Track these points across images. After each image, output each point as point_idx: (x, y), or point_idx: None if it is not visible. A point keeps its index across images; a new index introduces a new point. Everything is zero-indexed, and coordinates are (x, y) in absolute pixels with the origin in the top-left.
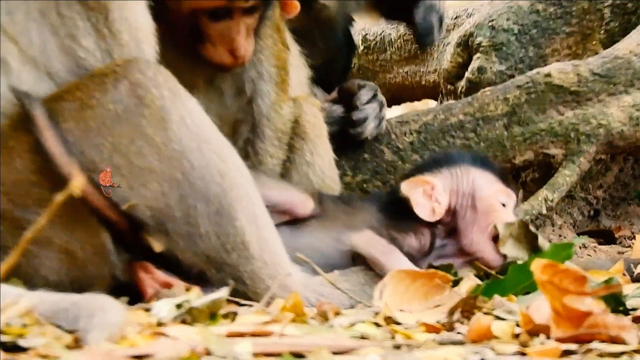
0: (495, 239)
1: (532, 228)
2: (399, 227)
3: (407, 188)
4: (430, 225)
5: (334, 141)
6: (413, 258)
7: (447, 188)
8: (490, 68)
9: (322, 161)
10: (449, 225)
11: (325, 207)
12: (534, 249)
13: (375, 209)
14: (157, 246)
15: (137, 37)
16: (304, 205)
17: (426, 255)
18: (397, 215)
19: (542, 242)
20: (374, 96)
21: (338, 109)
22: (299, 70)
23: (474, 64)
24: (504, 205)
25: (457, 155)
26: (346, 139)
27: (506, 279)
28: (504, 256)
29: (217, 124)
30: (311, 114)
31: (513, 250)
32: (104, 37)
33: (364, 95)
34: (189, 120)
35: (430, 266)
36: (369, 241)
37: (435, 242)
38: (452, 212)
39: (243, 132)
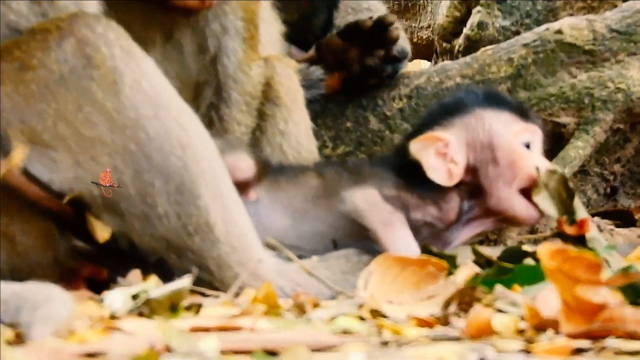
0: (526, 191)
1: (571, 184)
2: (416, 193)
3: (417, 149)
4: (452, 188)
5: (312, 108)
6: (437, 229)
7: (463, 143)
8: (492, 23)
9: (297, 130)
10: (472, 184)
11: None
12: (568, 210)
13: (390, 174)
14: (102, 235)
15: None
16: (240, 169)
17: (453, 223)
18: (412, 180)
19: (578, 204)
20: None
21: (317, 71)
22: (270, 25)
23: (474, 18)
24: (528, 146)
25: (468, 98)
26: (328, 103)
27: (512, 278)
28: (540, 212)
29: (177, 86)
30: (285, 75)
31: (547, 204)
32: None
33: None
34: (144, 83)
35: (429, 252)
36: (370, 205)
37: (463, 206)
38: (472, 170)
39: (206, 95)
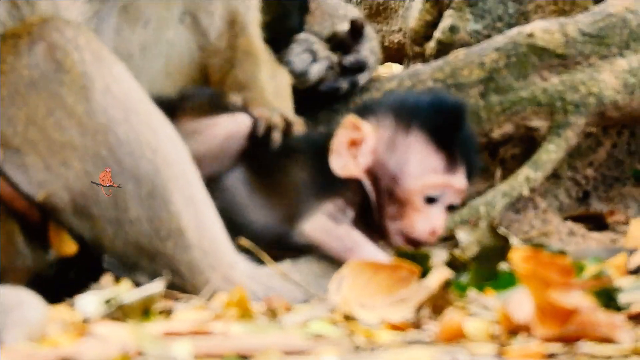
0: (411, 241)
1: (502, 230)
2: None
3: (343, 124)
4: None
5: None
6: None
7: (376, 151)
8: (464, 27)
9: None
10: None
11: None
12: (504, 257)
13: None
14: (67, 249)
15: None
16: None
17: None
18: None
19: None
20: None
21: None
22: None
23: (445, 22)
24: (432, 200)
25: (409, 104)
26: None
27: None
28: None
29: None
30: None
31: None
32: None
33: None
34: (114, 88)
35: (402, 254)
36: (324, 235)
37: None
38: (372, 177)
39: None
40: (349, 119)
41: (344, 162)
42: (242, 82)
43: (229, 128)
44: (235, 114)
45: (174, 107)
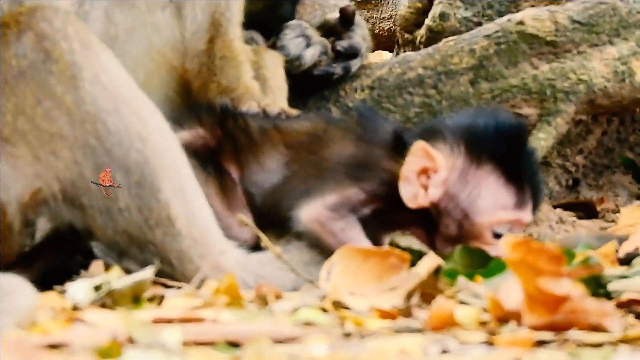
0: None
1: None
2: (380, 157)
3: (414, 151)
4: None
5: None
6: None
7: (448, 181)
8: (454, 14)
9: None
10: (426, 214)
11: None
12: None
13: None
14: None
15: None
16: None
17: (392, 204)
18: (371, 167)
19: None
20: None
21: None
22: None
23: (436, 9)
24: (498, 236)
25: (479, 132)
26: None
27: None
28: None
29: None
30: (273, 64)
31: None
32: None
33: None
34: (103, 77)
35: (397, 247)
36: (320, 226)
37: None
38: (435, 207)
39: None
40: (420, 146)
41: (415, 192)
42: (226, 88)
43: None
44: None
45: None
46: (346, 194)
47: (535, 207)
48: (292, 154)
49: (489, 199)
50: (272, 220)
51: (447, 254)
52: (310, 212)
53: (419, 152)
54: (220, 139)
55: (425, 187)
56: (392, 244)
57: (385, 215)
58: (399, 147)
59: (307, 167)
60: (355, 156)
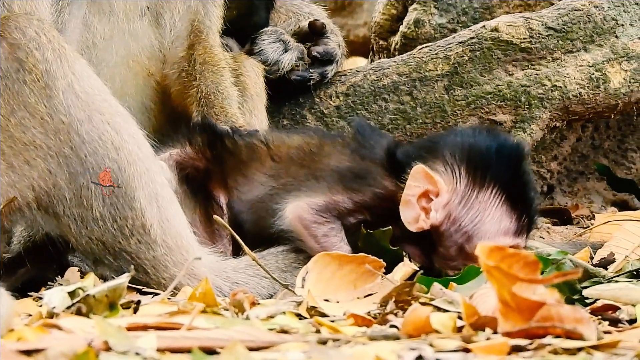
0: None
1: None
2: (364, 201)
3: (415, 175)
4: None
5: None
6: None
7: (449, 205)
8: (429, 21)
9: (259, 122)
10: (426, 235)
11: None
12: None
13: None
14: None
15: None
16: None
17: (381, 221)
18: (369, 180)
19: None
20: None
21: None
22: None
23: (410, 16)
24: None
25: (481, 156)
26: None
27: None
28: None
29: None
30: (252, 71)
31: None
32: None
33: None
34: (77, 86)
35: (364, 236)
36: (303, 227)
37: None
38: (435, 229)
39: None
40: (420, 169)
41: (415, 216)
42: (205, 95)
43: None
44: None
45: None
46: (334, 199)
47: (529, 232)
48: (281, 167)
49: (493, 224)
50: (257, 232)
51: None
52: (295, 210)
53: (419, 176)
54: (209, 161)
55: (426, 211)
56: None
57: (372, 228)
58: (394, 166)
59: (298, 177)
60: (351, 168)
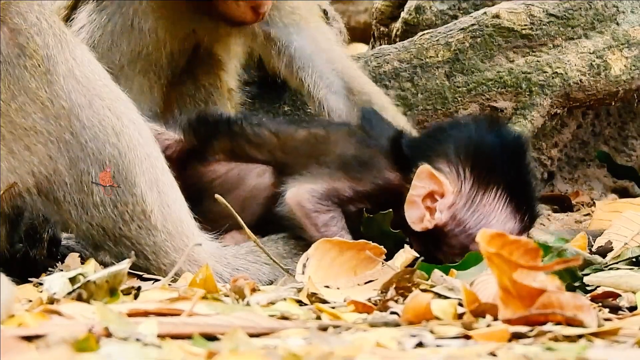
0: None
1: None
2: (368, 190)
3: (420, 175)
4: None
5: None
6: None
7: (454, 206)
8: (430, 7)
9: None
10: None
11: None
12: None
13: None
14: None
15: None
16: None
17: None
18: (374, 172)
19: None
20: None
21: None
22: None
23: (411, 2)
24: None
25: (486, 155)
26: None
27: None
28: None
29: None
30: None
31: None
32: None
33: None
34: (77, 71)
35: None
36: (305, 212)
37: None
38: (440, 229)
39: None
40: (426, 170)
41: (420, 215)
42: None
43: None
44: None
45: None
46: (335, 187)
47: (532, 227)
48: (290, 158)
49: (498, 226)
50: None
51: None
52: (295, 197)
53: (424, 176)
54: (201, 145)
55: (431, 211)
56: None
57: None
58: (399, 160)
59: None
60: (355, 156)
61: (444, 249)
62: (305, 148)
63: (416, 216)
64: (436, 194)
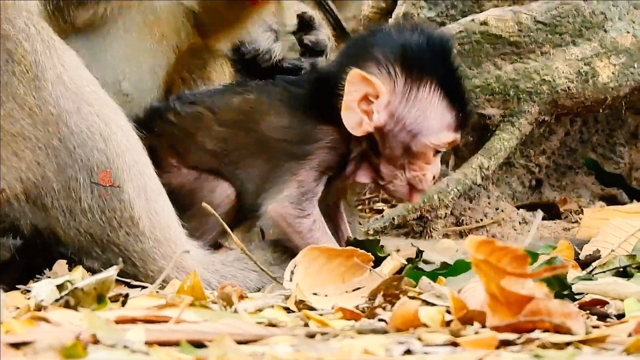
0: (415, 189)
1: None
2: (315, 122)
3: (351, 80)
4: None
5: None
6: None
7: (390, 105)
8: (418, 14)
9: None
10: (371, 142)
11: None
12: None
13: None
14: None
15: None
16: None
17: (339, 169)
18: (316, 102)
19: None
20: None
21: None
22: None
23: (399, 9)
24: (438, 152)
25: (414, 52)
26: None
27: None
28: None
29: None
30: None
31: None
32: None
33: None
34: (66, 77)
35: (351, 243)
36: (287, 222)
37: (350, 155)
38: (379, 132)
39: None
40: (357, 74)
41: (358, 120)
42: None
43: None
44: None
45: None
46: (300, 180)
47: (466, 126)
48: (229, 131)
49: (436, 120)
50: None
51: None
52: (275, 208)
53: (355, 80)
54: (156, 137)
55: (368, 113)
56: (350, 243)
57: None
58: (327, 87)
59: (247, 146)
60: (293, 132)
61: (386, 153)
62: (243, 121)
63: (354, 121)
64: (370, 96)
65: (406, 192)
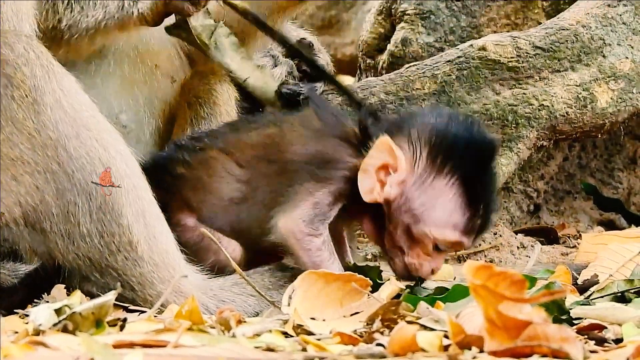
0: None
1: None
2: (344, 152)
3: (379, 145)
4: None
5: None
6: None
7: (405, 183)
8: (416, 40)
9: None
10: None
11: None
12: None
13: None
14: None
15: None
16: None
17: (354, 202)
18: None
19: None
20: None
21: None
22: None
23: (398, 34)
24: (439, 250)
25: (448, 140)
26: None
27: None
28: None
29: None
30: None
31: None
32: None
33: None
34: (65, 102)
35: (350, 268)
36: (296, 240)
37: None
38: (388, 204)
39: None
40: (385, 142)
41: (371, 186)
42: None
43: None
44: None
45: None
46: (316, 201)
47: (478, 237)
48: (249, 172)
49: (444, 214)
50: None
51: None
52: (287, 223)
53: (382, 147)
54: (165, 190)
55: (382, 184)
56: (350, 269)
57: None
58: (364, 139)
59: (271, 176)
60: (317, 154)
61: (389, 227)
62: (266, 155)
63: (367, 186)
64: (390, 167)
65: (404, 274)
